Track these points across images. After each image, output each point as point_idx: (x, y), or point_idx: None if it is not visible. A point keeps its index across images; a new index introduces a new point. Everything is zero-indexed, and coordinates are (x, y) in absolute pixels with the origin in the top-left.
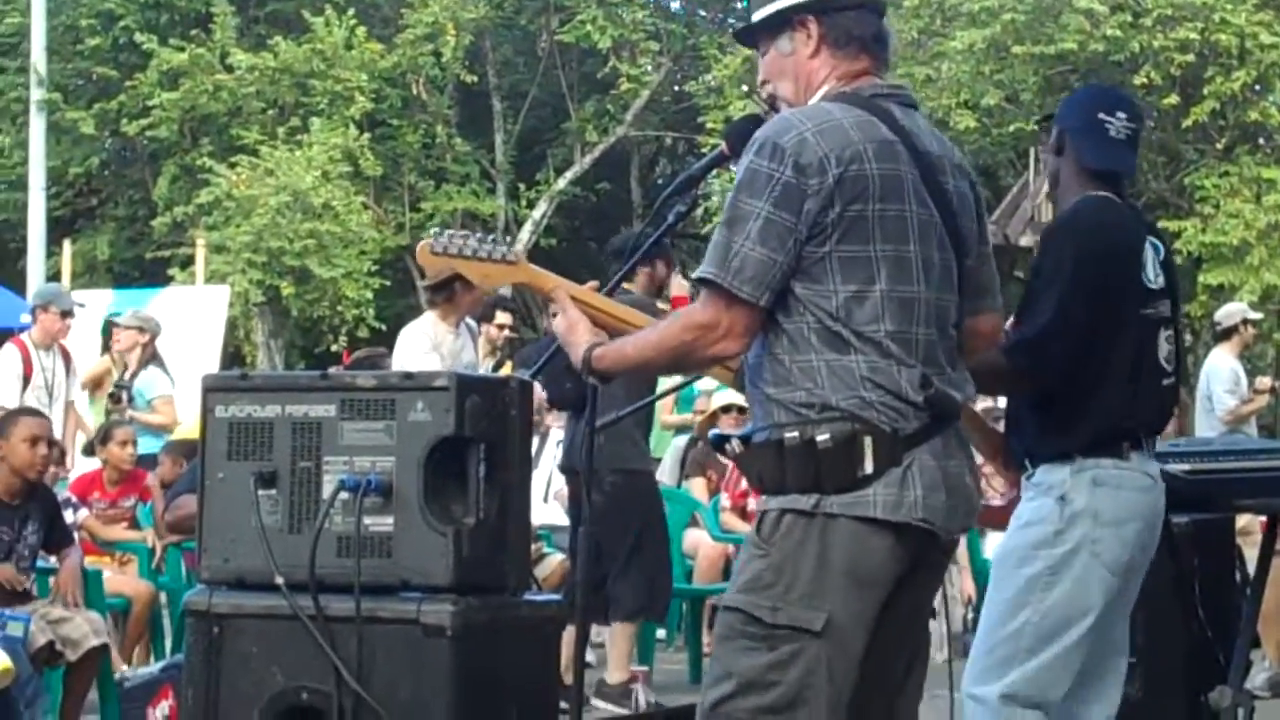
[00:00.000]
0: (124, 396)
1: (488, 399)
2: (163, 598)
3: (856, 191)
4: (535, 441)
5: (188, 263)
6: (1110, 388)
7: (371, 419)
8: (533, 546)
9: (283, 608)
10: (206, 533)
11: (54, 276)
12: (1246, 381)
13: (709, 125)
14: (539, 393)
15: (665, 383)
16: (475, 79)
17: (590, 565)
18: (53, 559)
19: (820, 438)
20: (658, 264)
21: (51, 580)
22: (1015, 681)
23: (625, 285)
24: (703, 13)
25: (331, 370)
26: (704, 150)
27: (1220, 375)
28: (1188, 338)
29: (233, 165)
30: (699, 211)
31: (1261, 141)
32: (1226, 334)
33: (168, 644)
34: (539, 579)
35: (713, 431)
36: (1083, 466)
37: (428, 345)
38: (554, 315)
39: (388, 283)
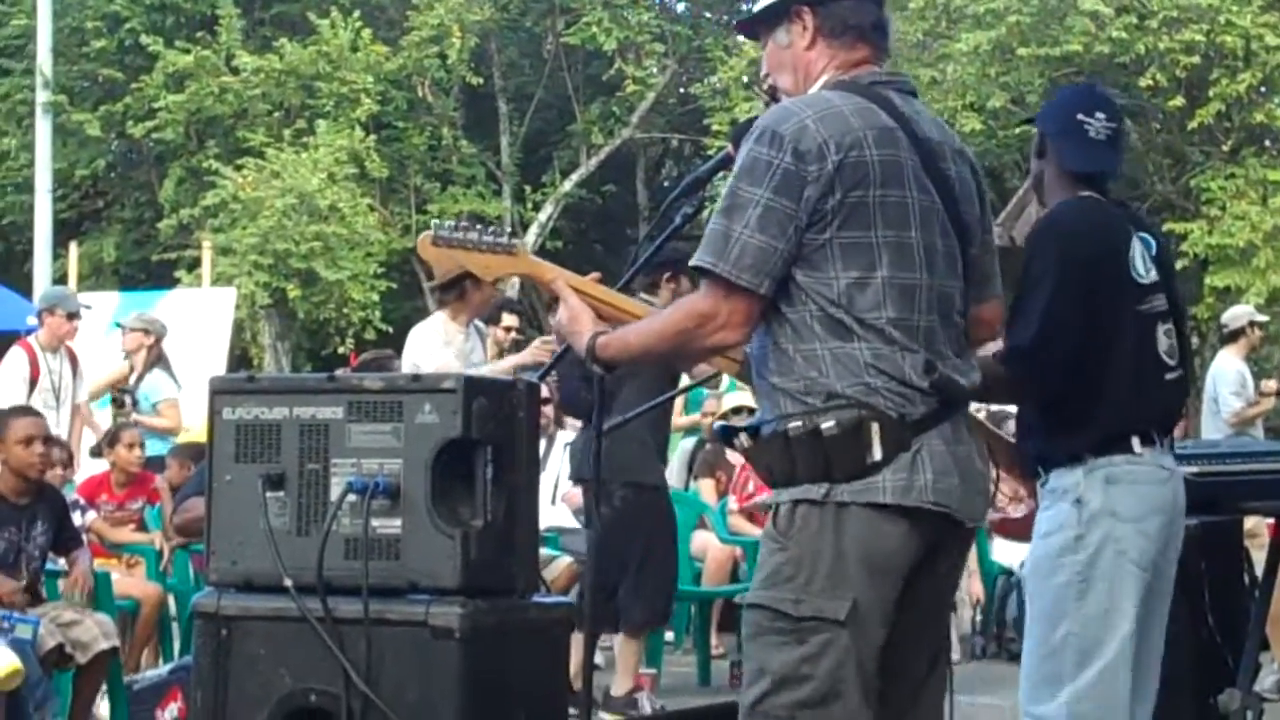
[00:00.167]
0: (128, 400)
1: (495, 401)
2: (170, 600)
3: (857, 178)
4: (542, 444)
5: (194, 265)
6: (1112, 387)
7: (379, 421)
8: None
9: (291, 610)
10: (214, 535)
11: (60, 279)
12: (1253, 384)
13: (715, 127)
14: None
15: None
16: (481, 81)
17: (598, 572)
18: (62, 561)
19: (826, 425)
20: (682, 280)
21: (61, 583)
22: (1070, 700)
23: (647, 298)
24: (708, 14)
25: (339, 372)
26: (710, 152)
27: (1226, 377)
28: (1194, 340)
29: (239, 167)
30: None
31: (1268, 143)
32: (1233, 336)
33: (176, 646)
34: (547, 581)
35: (719, 424)
36: (1094, 466)
37: (440, 342)
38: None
39: (394, 285)
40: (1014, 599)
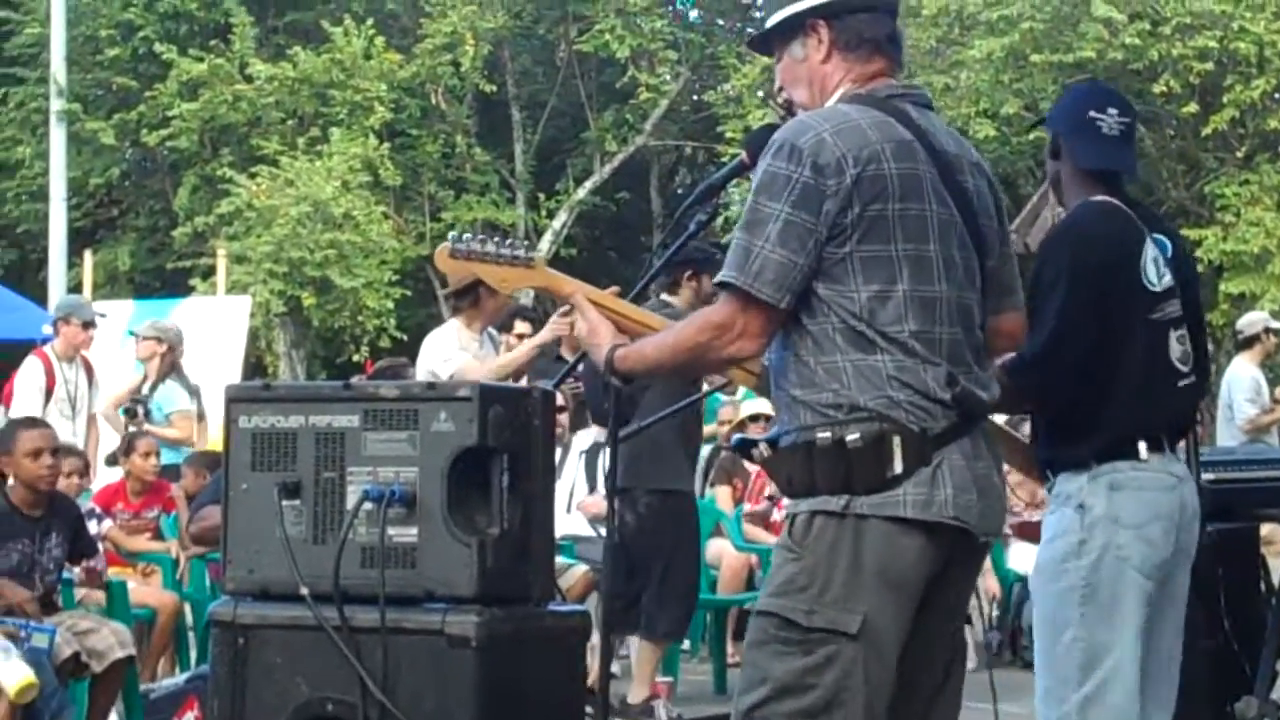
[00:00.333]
0: (140, 411)
1: (510, 409)
2: (187, 609)
3: (875, 191)
4: (558, 452)
5: (209, 273)
6: (1121, 395)
7: (395, 429)
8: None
9: (307, 618)
10: (231, 544)
11: (75, 288)
12: (1268, 391)
13: (728, 134)
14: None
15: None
16: (494, 89)
17: (616, 579)
18: (77, 571)
19: (850, 438)
20: (703, 279)
21: (77, 593)
22: (1078, 706)
23: (669, 299)
24: (721, 22)
25: (354, 380)
26: (724, 159)
27: (1241, 384)
28: (1209, 346)
29: (253, 175)
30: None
31: None
32: (1248, 343)
33: (192, 655)
34: (563, 590)
35: (736, 436)
36: (1099, 473)
37: (455, 348)
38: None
39: (408, 293)
40: (1029, 606)
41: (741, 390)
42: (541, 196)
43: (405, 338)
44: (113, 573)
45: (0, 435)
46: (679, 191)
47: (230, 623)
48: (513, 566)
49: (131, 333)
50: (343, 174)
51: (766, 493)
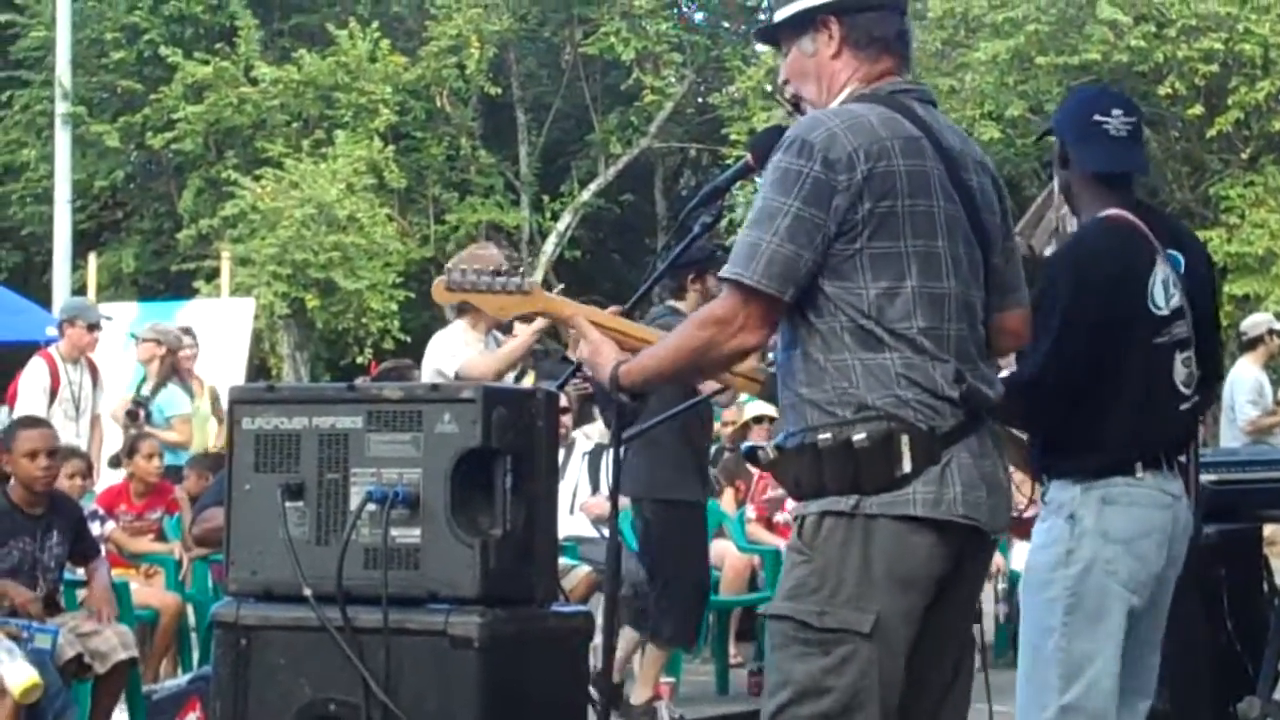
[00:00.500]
0: (141, 413)
1: (514, 411)
2: (189, 610)
3: (885, 188)
4: (561, 453)
5: (213, 275)
6: (1119, 418)
7: (398, 431)
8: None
9: (310, 619)
10: (234, 545)
11: (79, 290)
12: (1271, 393)
13: (733, 137)
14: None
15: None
16: (499, 91)
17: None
18: (80, 571)
19: (857, 438)
20: (708, 279)
21: (79, 593)
22: (1056, 715)
23: (675, 304)
24: (726, 24)
25: (358, 382)
26: (728, 162)
27: (1244, 385)
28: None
29: (257, 178)
30: (724, 223)
31: None
32: (1251, 344)
33: (195, 656)
34: (566, 591)
35: (744, 445)
36: (1092, 486)
37: (461, 345)
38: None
39: (412, 295)
40: None
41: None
42: (546, 199)
43: (409, 340)
44: (116, 574)
45: (4, 433)
46: (683, 194)
47: (233, 624)
48: (516, 568)
49: (133, 335)
50: (347, 176)
51: (766, 495)
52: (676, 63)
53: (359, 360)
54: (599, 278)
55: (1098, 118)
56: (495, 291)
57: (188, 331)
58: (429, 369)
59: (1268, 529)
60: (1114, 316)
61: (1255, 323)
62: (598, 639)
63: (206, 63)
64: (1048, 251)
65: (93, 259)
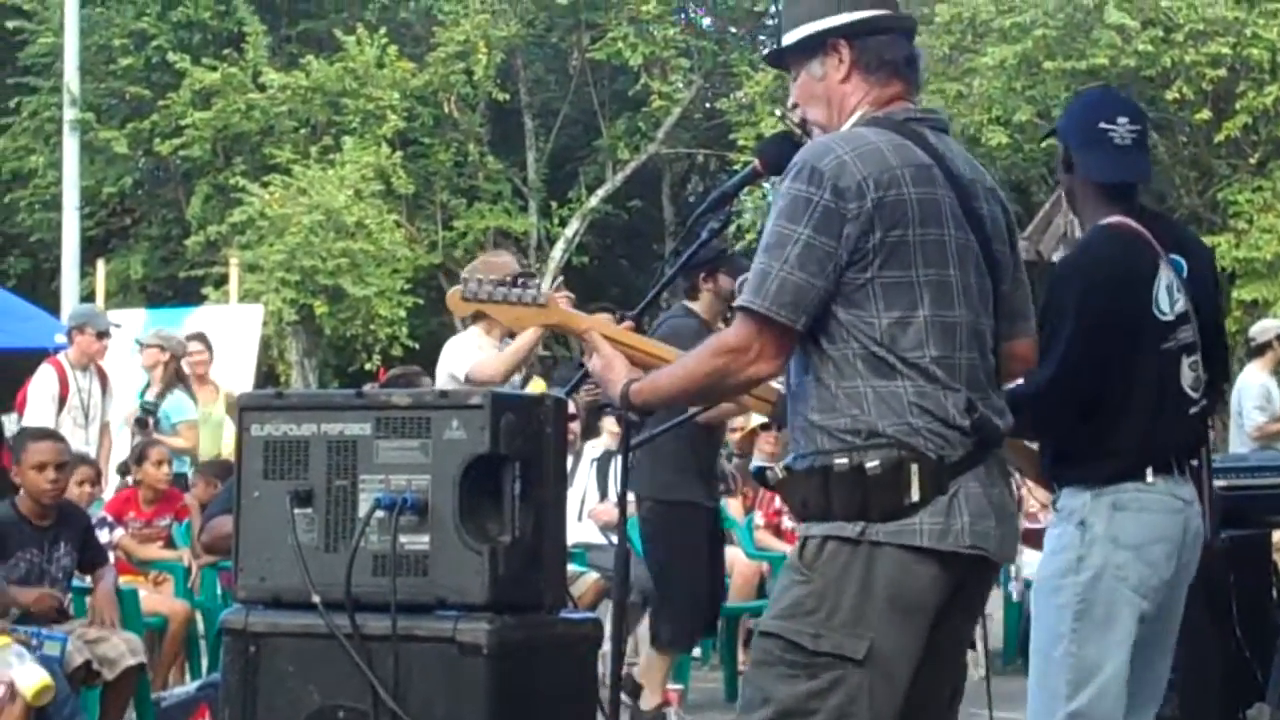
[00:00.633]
0: (149, 420)
1: (523, 417)
2: (198, 617)
3: (896, 217)
4: (569, 460)
5: (221, 282)
6: (1129, 424)
7: (407, 437)
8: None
9: (319, 626)
10: (242, 552)
11: (88, 296)
12: (1278, 398)
13: (741, 142)
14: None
15: None
16: (507, 97)
17: (628, 588)
18: (88, 579)
19: (870, 465)
20: (719, 277)
21: (88, 600)
22: (1065, 718)
23: (690, 305)
24: (734, 30)
25: (366, 388)
26: (736, 167)
27: (1251, 391)
28: None
29: (265, 184)
30: (731, 228)
31: None
32: (1259, 350)
33: (204, 663)
34: (574, 597)
35: (753, 465)
36: (1102, 492)
37: (475, 350)
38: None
39: (421, 301)
40: None
41: None
42: (554, 204)
43: (417, 346)
44: (124, 581)
45: (14, 443)
46: (691, 199)
47: (242, 630)
48: (524, 574)
49: (138, 342)
50: (355, 182)
51: (775, 505)
52: (684, 68)
53: (367, 366)
54: (607, 283)
55: (1103, 125)
56: (511, 303)
57: (202, 338)
58: (443, 374)
59: (1277, 535)
60: (1120, 323)
61: (1263, 328)
62: (606, 646)
63: (214, 69)
64: (1055, 256)
65: (101, 266)
